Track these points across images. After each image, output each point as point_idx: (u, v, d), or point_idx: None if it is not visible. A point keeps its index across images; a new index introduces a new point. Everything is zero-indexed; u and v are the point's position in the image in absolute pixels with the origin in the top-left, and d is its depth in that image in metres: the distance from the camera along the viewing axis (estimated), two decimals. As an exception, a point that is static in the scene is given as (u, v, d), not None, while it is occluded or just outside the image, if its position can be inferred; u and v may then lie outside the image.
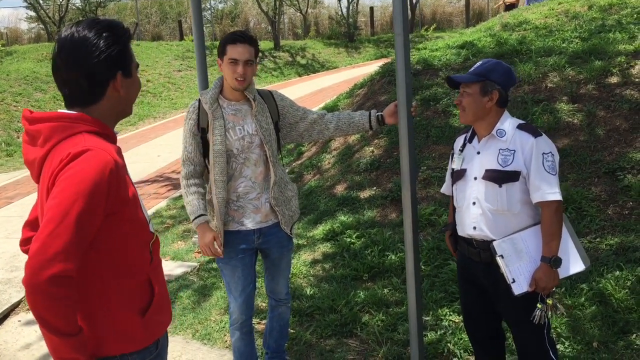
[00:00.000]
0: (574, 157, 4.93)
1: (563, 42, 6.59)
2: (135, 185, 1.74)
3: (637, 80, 5.46)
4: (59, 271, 1.46)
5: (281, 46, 22.06)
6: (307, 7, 26.30)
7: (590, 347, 3.28)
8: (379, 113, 2.97)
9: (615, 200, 4.46)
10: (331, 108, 8.48)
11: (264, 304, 4.14)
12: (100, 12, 23.89)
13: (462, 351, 3.37)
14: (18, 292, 4.83)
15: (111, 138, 1.71)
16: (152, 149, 10.84)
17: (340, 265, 4.58)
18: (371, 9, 27.66)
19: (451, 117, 6.02)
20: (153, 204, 7.35)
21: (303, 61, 21.30)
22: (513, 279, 2.47)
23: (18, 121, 12.29)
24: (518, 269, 2.47)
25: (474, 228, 2.56)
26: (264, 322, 3.89)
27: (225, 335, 3.91)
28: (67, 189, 1.51)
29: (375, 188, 5.66)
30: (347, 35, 24.53)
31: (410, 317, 2.83)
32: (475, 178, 2.56)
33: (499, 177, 2.48)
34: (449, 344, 3.43)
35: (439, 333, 3.56)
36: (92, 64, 1.64)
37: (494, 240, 2.50)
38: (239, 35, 2.86)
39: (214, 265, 4.89)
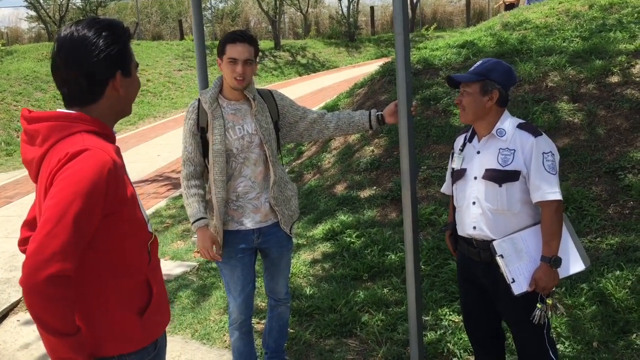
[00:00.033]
0: (575, 157, 4.92)
1: (564, 42, 6.58)
2: (135, 185, 1.73)
3: (637, 79, 5.45)
4: (57, 271, 1.45)
5: (281, 46, 22.05)
6: (308, 7, 26.30)
7: (590, 347, 3.28)
8: (379, 112, 2.96)
9: (615, 200, 4.45)
10: (331, 107, 8.48)
11: (263, 304, 4.14)
12: (100, 12, 23.90)
13: (462, 351, 3.36)
14: (17, 292, 4.82)
15: (110, 138, 1.71)
16: (152, 148, 10.84)
17: (340, 264, 4.58)
18: (372, 8, 27.65)
19: (451, 117, 6.01)
20: (153, 203, 7.34)
21: (303, 61, 21.30)
22: (513, 279, 2.47)
23: (18, 120, 12.28)
24: (518, 269, 2.47)
25: (474, 228, 2.56)
26: (263, 321, 3.88)
27: (224, 335, 3.91)
28: (65, 189, 1.50)
29: (375, 187, 5.65)
30: (347, 34, 24.53)
31: (410, 317, 2.82)
32: (475, 178, 2.56)
33: (498, 176, 2.47)
34: (448, 344, 3.43)
35: (438, 333, 3.55)
36: (91, 63, 1.63)
37: (494, 240, 2.49)
38: (238, 35, 2.85)
39: (214, 265, 4.88)
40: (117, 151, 1.68)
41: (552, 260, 2.42)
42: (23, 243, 1.87)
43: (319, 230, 5.20)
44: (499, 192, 2.48)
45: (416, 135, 5.87)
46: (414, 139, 2.81)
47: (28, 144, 1.67)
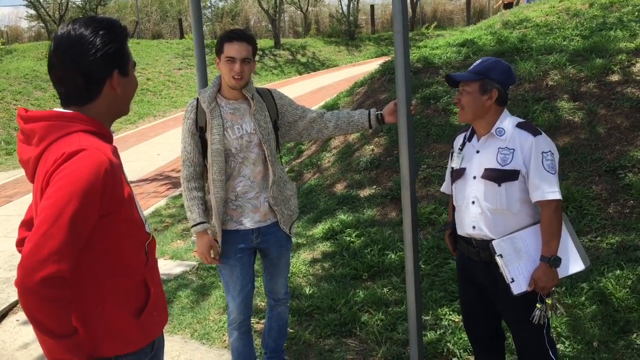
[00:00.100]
0: (575, 156, 4.91)
1: (564, 40, 6.57)
2: (135, 184, 1.73)
3: (638, 78, 5.44)
4: (52, 272, 1.44)
5: (282, 44, 22.03)
6: (308, 5, 26.28)
7: (591, 347, 3.27)
8: (379, 112, 2.95)
9: (616, 199, 4.44)
10: (331, 106, 8.47)
11: (262, 304, 4.13)
12: (100, 10, 23.89)
13: (461, 351, 3.35)
14: (16, 292, 4.81)
15: (107, 137, 1.70)
16: (152, 147, 10.83)
17: (340, 264, 4.57)
18: (372, 6, 27.63)
19: (451, 116, 6.00)
20: (152, 202, 7.33)
21: (303, 59, 21.28)
22: (512, 279, 2.46)
23: (18, 119, 12.27)
24: (517, 269, 2.46)
25: (473, 227, 2.55)
26: (262, 321, 3.87)
27: (224, 334, 3.90)
28: (61, 189, 1.49)
29: (375, 187, 5.64)
30: (347, 33, 24.51)
31: (409, 317, 2.81)
32: (475, 177, 2.55)
33: (498, 176, 2.46)
34: (448, 344, 3.42)
35: (438, 332, 3.54)
36: (88, 62, 1.62)
37: (493, 239, 2.48)
38: (236, 33, 2.84)
39: (213, 264, 4.87)
40: (114, 151, 1.67)
41: (551, 260, 2.41)
42: (21, 243, 1.87)
43: (319, 229, 5.19)
44: (498, 192, 2.47)
45: (416, 134, 5.86)
46: (413, 138, 2.80)
47: (24, 143, 1.66)
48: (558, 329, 3.41)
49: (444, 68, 6.89)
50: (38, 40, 22.65)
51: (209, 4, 27.59)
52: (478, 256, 2.57)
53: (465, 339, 3.38)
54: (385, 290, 4.11)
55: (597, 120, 5.17)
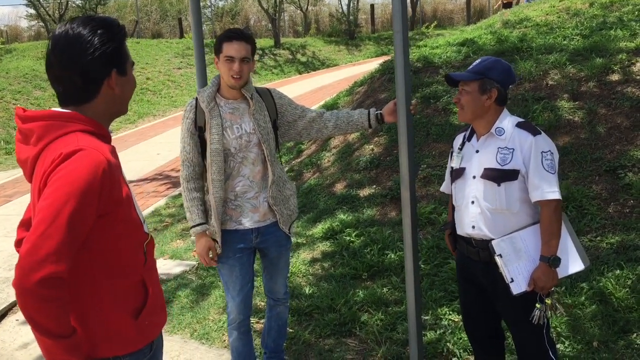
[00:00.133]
0: (575, 155, 4.90)
1: (564, 40, 6.56)
2: (135, 183, 1.72)
3: (638, 77, 5.43)
4: (50, 273, 1.43)
5: (281, 44, 22.02)
6: (308, 5, 26.27)
7: (591, 347, 3.26)
8: (378, 111, 2.94)
9: (616, 199, 4.44)
10: (331, 106, 8.46)
11: (262, 303, 4.12)
12: (100, 10, 23.87)
13: (461, 351, 3.35)
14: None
15: (105, 137, 1.69)
16: (152, 146, 10.82)
17: (340, 264, 4.56)
18: (372, 6, 27.62)
19: (451, 115, 5.99)
20: (152, 202, 7.33)
21: (303, 59, 21.27)
22: (512, 279, 2.45)
23: (17, 119, 12.26)
24: (517, 269, 2.45)
25: (473, 227, 2.54)
26: (262, 321, 3.87)
27: (223, 334, 3.90)
28: (59, 190, 1.49)
29: (374, 186, 5.64)
30: (347, 32, 24.49)
31: (409, 317, 2.81)
32: (474, 177, 2.54)
33: (497, 175, 2.46)
34: (448, 344, 3.41)
35: (438, 332, 3.54)
36: (86, 61, 1.61)
37: (493, 239, 2.48)
38: (235, 33, 2.83)
39: (212, 265, 4.86)
40: (113, 151, 1.67)
41: (551, 260, 2.41)
42: (19, 244, 1.85)
43: (319, 229, 5.19)
44: (497, 192, 2.46)
45: (416, 133, 5.86)
46: (413, 138, 2.80)
47: (22, 143, 1.66)
48: (558, 329, 3.41)
49: (443, 67, 6.88)
50: (38, 40, 22.66)
51: (208, 3, 27.58)
52: (478, 256, 2.56)
53: (465, 339, 3.37)
54: (385, 290, 4.10)
55: (597, 120, 5.17)
